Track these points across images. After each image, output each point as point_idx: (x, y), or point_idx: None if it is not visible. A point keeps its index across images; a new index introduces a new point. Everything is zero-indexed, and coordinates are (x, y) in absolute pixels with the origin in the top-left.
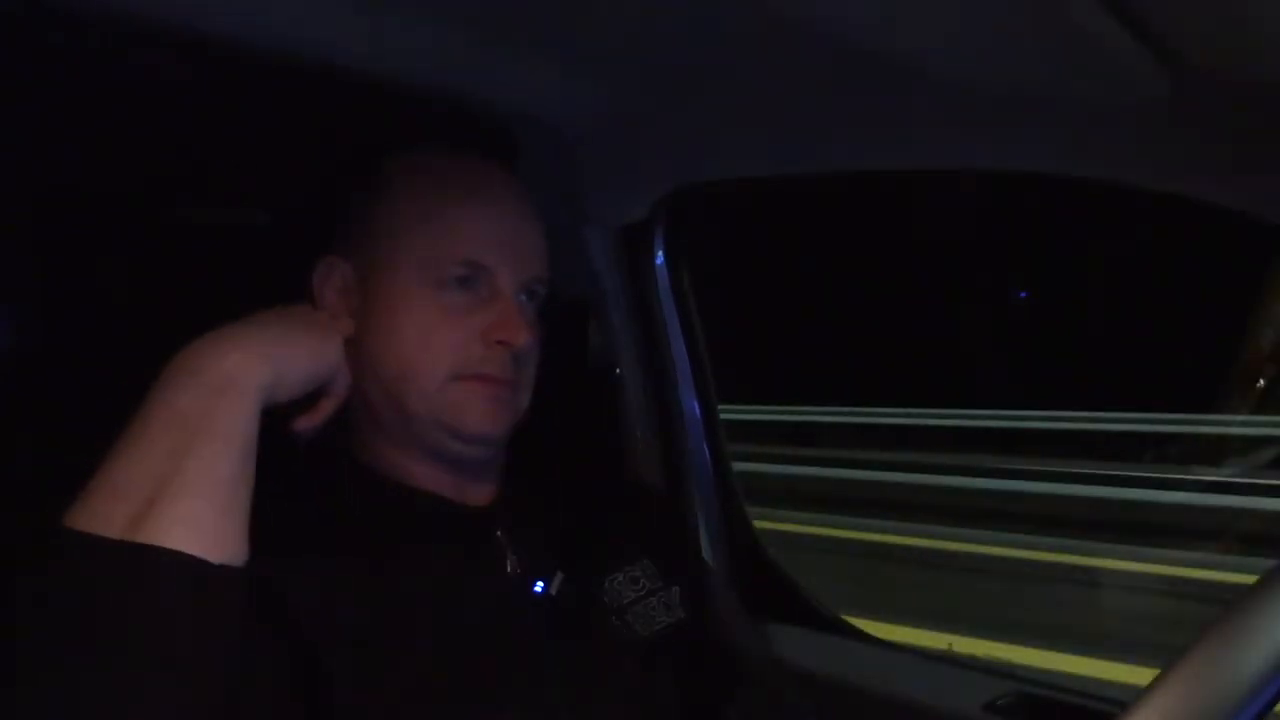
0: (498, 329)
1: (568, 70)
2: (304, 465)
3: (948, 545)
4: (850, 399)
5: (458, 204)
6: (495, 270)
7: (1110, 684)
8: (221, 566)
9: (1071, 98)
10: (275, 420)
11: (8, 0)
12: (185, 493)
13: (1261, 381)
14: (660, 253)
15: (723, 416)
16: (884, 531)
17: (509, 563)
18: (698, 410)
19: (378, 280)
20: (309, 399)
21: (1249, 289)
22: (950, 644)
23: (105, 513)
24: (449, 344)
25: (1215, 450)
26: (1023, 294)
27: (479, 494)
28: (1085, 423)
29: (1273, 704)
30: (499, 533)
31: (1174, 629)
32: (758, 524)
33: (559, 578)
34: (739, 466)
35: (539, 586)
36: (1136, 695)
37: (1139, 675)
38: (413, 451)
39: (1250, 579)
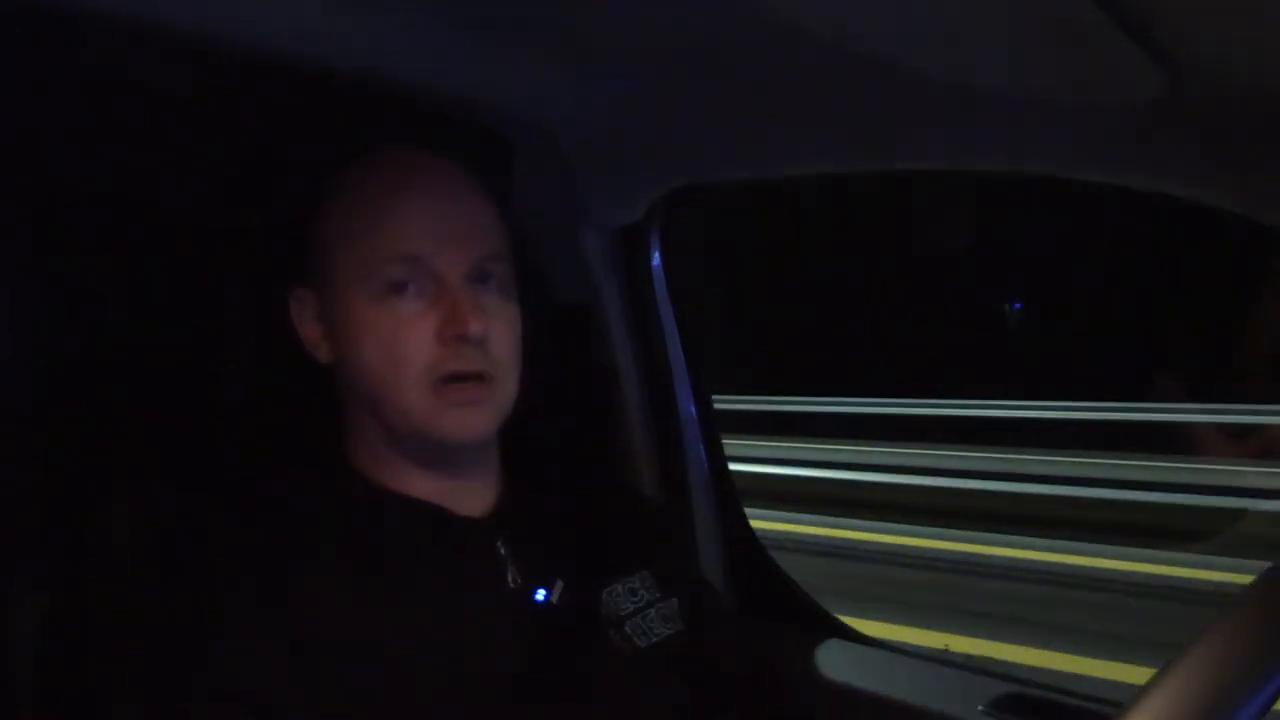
0: (448, 324)
1: (563, 72)
2: (304, 476)
3: None
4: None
5: (380, 202)
6: (431, 259)
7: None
8: None
9: (1069, 99)
10: (274, 431)
11: (7, 0)
12: None
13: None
14: (657, 254)
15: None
16: None
17: (510, 574)
18: (694, 412)
19: (335, 302)
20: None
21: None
22: (946, 645)
23: None
24: (410, 353)
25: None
26: (1018, 305)
27: (478, 503)
28: (1079, 412)
29: (1270, 704)
30: (499, 544)
31: None
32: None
33: (559, 587)
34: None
35: (540, 595)
36: (1133, 696)
37: None
38: (407, 463)
39: None
